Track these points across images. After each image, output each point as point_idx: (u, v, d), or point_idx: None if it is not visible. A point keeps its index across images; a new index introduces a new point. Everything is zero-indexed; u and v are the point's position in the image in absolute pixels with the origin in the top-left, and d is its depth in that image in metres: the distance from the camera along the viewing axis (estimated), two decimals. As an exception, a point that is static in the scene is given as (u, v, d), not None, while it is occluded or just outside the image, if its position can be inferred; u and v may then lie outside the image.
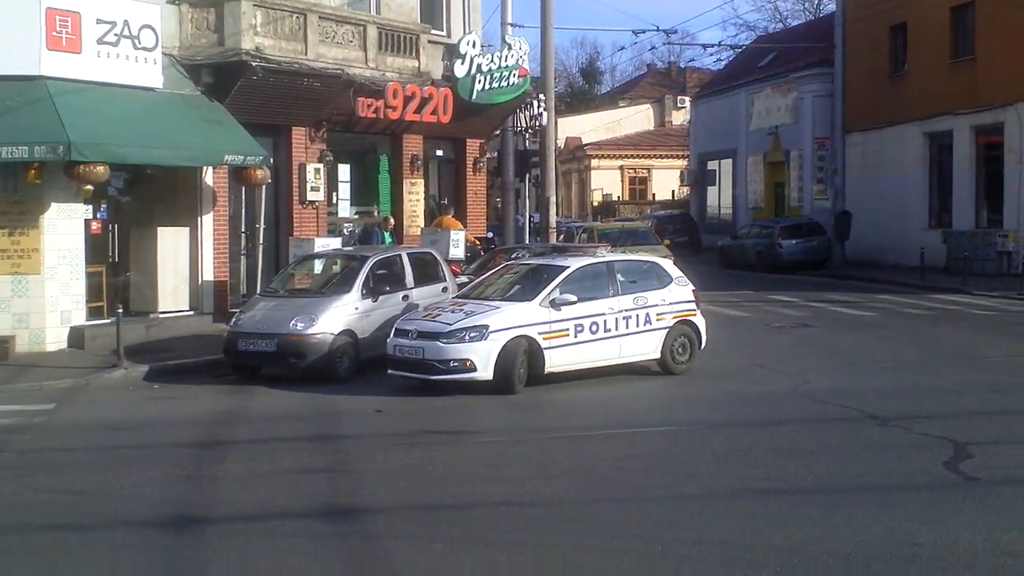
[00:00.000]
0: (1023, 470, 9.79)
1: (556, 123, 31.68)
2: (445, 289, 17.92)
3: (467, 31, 25.61)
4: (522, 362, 14.45)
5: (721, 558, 7.42)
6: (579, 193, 65.54)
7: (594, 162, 63.02)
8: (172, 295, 20.04)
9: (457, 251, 21.60)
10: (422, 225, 24.79)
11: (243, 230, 21.77)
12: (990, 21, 30.66)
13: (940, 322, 21.34)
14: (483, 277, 17.25)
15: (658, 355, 15.78)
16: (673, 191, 58.70)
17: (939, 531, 7.85)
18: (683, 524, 8.23)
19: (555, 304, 14.82)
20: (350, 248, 20.76)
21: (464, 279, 19.31)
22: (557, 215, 28.84)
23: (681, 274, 16.64)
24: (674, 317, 15.95)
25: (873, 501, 8.70)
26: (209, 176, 20.59)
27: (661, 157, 62.64)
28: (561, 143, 58.66)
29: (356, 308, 16.34)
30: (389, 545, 7.96)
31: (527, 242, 27.68)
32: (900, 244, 34.01)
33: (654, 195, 61.15)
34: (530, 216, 32.02)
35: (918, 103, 33.55)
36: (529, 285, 15.52)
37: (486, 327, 14.36)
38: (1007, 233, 29.57)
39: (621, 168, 63.10)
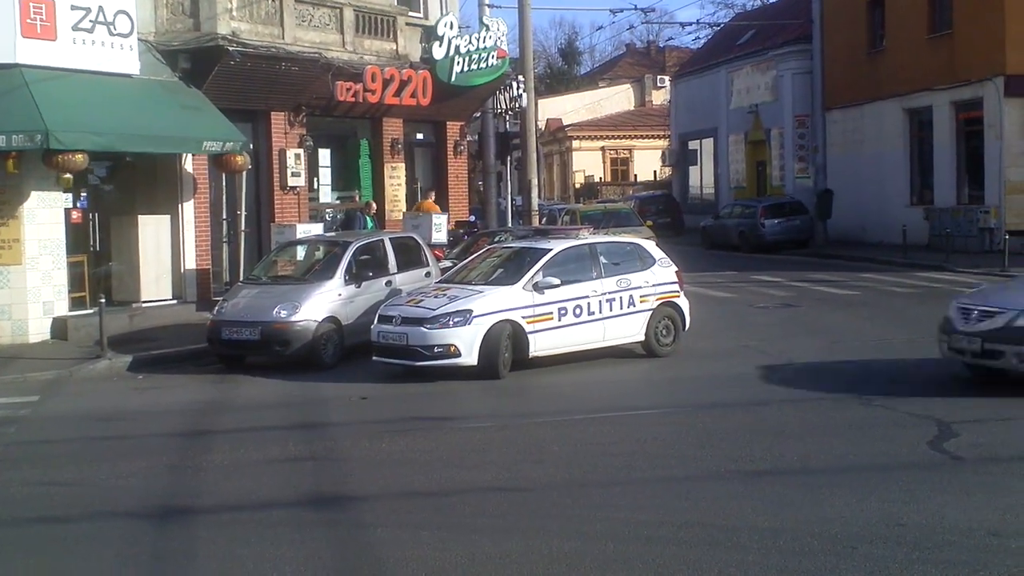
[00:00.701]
0: (1007, 448, 9.86)
1: (536, 104, 31.66)
2: (428, 274, 17.91)
3: (444, 12, 25.54)
4: (506, 347, 14.47)
5: (707, 540, 7.46)
6: (561, 175, 65.52)
7: (575, 143, 63.02)
8: (155, 284, 19.98)
9: (440, 235, 21.60)
10: (404, 209, 24.76)
11: (224, 217, 21.71)
12: (968, -4, 30.72)
13: (924, 300, 21.45)
14: (466, 261, 17.23)
15: (642, 337, 15.82)
16: (655, 172, 58.76)
17: (924, 511, 7.91)
18: (669, 507, 8.28)
19: (538, 287, 14.84)
20: (332, 234, 20.72)
21: (447, 263, 19.30)
22: (539, 197, 28.90)
23: (664, 255, 16.66)
24: (658, 299, 15.97)
25: (858, 481, 8.77)
26: (189, 163, 20.51)
27: (642, 137, 62.67)
28: (542, 125, 58.56)
29: (339, 294, 16.32)
30: (376, 533, 7.98)
31: (510, 225, 27.67)
32: (882, 222, 34.11)
33: (636, 176, 61.21)
34: (512, 199, 32.01)
35: (897, 79, 33.61)
36: (512, 269, 15.52)
37: (470, 312, 14.36)
38: (988, 209, 29.71)
39: (603, 149, 63.12)
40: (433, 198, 24.92)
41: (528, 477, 9.36)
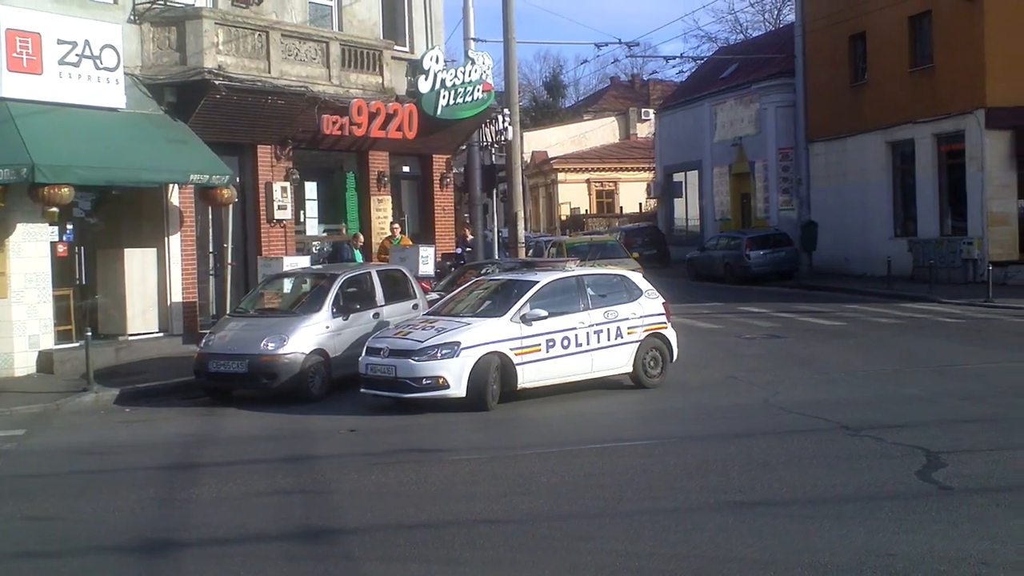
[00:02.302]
0: (995, 478, 9.88)
1: (522, 137, 31.77)
2: (416, 306, 17.94)
3: (430, 46, 25.69)
4: (495, 378, 14.47)
5: (696, 571, 7.45)
6: (547, 207, 65.70)
7: (561, 176, 63.23)
8: (141, 317, 19.93)
9: (427, 268, 21.61)
10: (378, 242, 24.76)
11: (211, 250, 21.70)
12: (948, 29, 31.05)
13: (909, 331, 21.53)
14: (453, 293, 17.27)
15: (630, 369, 15.84)
16: (640, 204, 58.98)
17: (913, 541, 7.92)
18: (657, 539, 8.26)
19: (526, 319, 14.86)
20: (319, 266, 20.73)
21: (434, 295, 19.31)
22: (525, 230, 28.96)
23: (651, 287, 16.72)
24: (645, 330, 16.01)
25: (846, 512, 8.77)
26: (175, 196, 20.51)
27: (627, 170, 62.95)
28: (527, 157, 58.78)
29: (327, 327, 16.31)
30: (365, 566, 7.95)
31: (496, 257, 27.72)
32: (866, 253, 34.28)
33: (621, 208, 61.41)
34: (498, 231, 32.08)
35: (879, 112, 33.88)
36: (499, 301, 15.56)
37: (457, 344, 14.37)
38: (971, 240, 29.89)
39: (588, 181, 63.35)
40: (399, 231, 24.68)
41: (517, 509, 9.34)
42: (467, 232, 29.37)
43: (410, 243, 23.87)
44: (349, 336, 16.46)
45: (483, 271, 20.39)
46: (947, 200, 31.95)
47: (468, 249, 27.59)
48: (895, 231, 34.17)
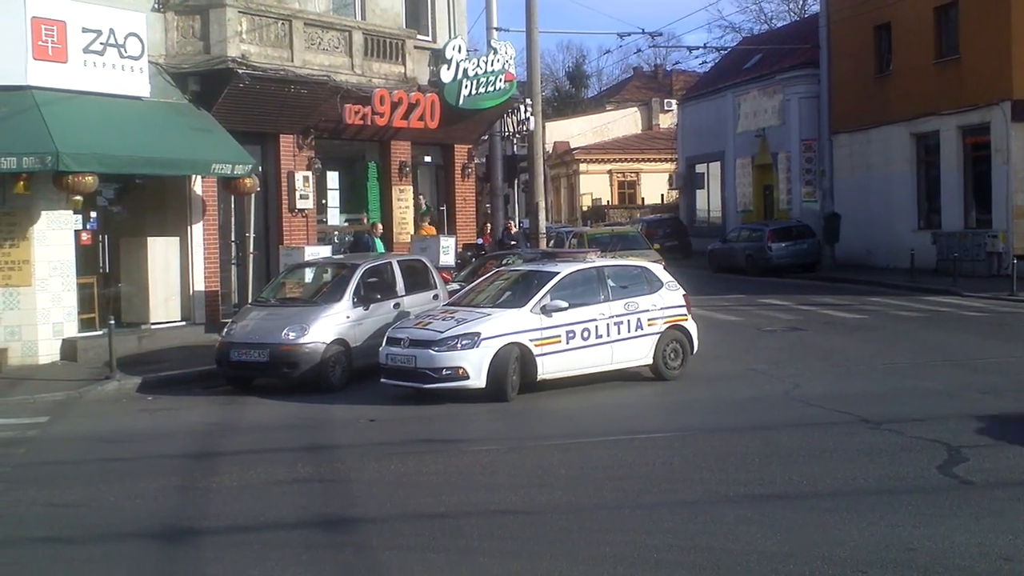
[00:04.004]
0: (1017, 473, 9.83)
1: (544, 127, 31.77)
2: (436, 296, 17.97)
3: (452, 36, 25.67)
4: (514, 369, 14.49)
5: (715, 564, 7.45)
6: (568, 198, 65.65)
7: (582, 166, 63.12)
8: (163, 305, 20.03)
9: (447, 258, 21.65)
10: (412, 232, 24.83)
11: (233, 239, 21.77)
12: (974, 20, 30.81)
13: (931, 324, 21.43)
14: (474, 284, 17.29)
15: (650, 360, 15.83)
16: (662, 195, 58.84)
17: (934, 535, 7.89)
18: (677, 531, 8.27)
19: (546, 310, 14.86)
20: (340, 256, 20.78)
21: (455, 286, 19.35)
22: (546, 220, 28.92)
23: (672, 279, 16.70)
24: (665, 322, 15.99)
25: (867, 506, 8.75)
26: (198, 185, 20.59)
27: (649, 160, 62.79)
28: (549, 148, 58.71)
29: (348, 317, 16.36)
30: (384, 555, 7.98)
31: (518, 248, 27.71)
32: (889, 246, 34.12)
33: (643, 199, 61.28)
34: (519, 221, 32.09)
35: (904, 103, 33.68)
36: (520, 291, 15.58)
37: (478, 335, 14.39)
38: (996, 233, 29.69)
39: (610, 172, 63.24)
40: (429, 220, 24.97)
41: (536, 500, 9.35)
42: (510, 225, 29.37)
43: (433, 232, 23.91)
44: (370, 326, 16.50)
45: (504, 262, 20.41)
46: (972, 193, 31.74)
47: (513, 242, 27.57)
48: (919, 223, 33.98)
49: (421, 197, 25.19)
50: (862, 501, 8.91)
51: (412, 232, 24.55)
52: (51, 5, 17.88)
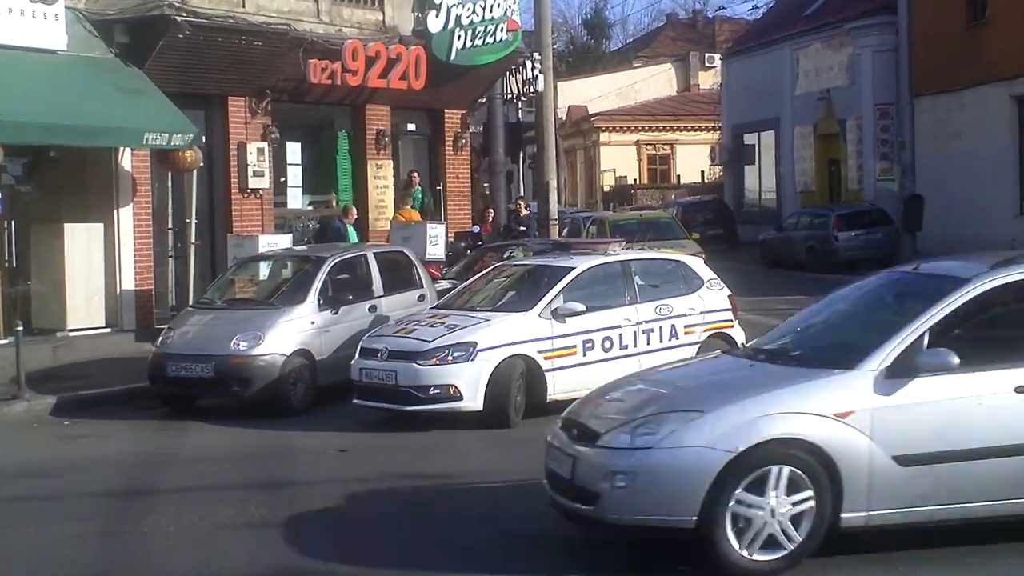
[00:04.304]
0: None
1: (556, 89, 31.82)
2: (422, 297, 18.00)
3: (443, -25, 25.66)
4: (519, 388, 14.52)
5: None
6: (586, 175, 65.68)
7: (604, 137, 63.15)
8: (84, 308, 20.04)
9: (436, 250, 21.67)
10: (392, 217, 24.82)
11: (170, 226, 21.80)
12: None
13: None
14: (468, 282, 17.32)
15: (687, 376, 15.83)
16: (702, 172, 58.83)
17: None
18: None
19: (558, 315, 14.90)
20: (303, 247, 20.79)
21: (445, 284, 19.37)
22: (559, 203, 28.94)
23: (714, 276, 16.74)
24: (706, 330, 16.03)
25: None
26: (127, 159, 20.62)
27: (687, 130, 62.79)
28: (563, 113, 58.75)
29: (312, 322, 16.38)
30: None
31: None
32: (984, 233, 33.97)
33: (679, 177, 61.28)
34: (526, 204, 32.08)
35: (1004, 59, 33.59)
36: (526, 291, 15.65)
37: (473, 344, 14.42)
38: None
39: (637, 144, 63.24)
40: (417, 180, 24.87)
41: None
42: (520, 205, 29.36)
43: (417, 217, 23.89)
44: (339, 334, 16.52)
45: (506, 255, 20.43)
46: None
47: (522, 228, 27.58)
48: (1022, 207, 33.94)
49: (415, 176, 25.11)
50: None
51: (392, 216, 24.53)
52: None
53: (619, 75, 68.03)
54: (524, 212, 28.93)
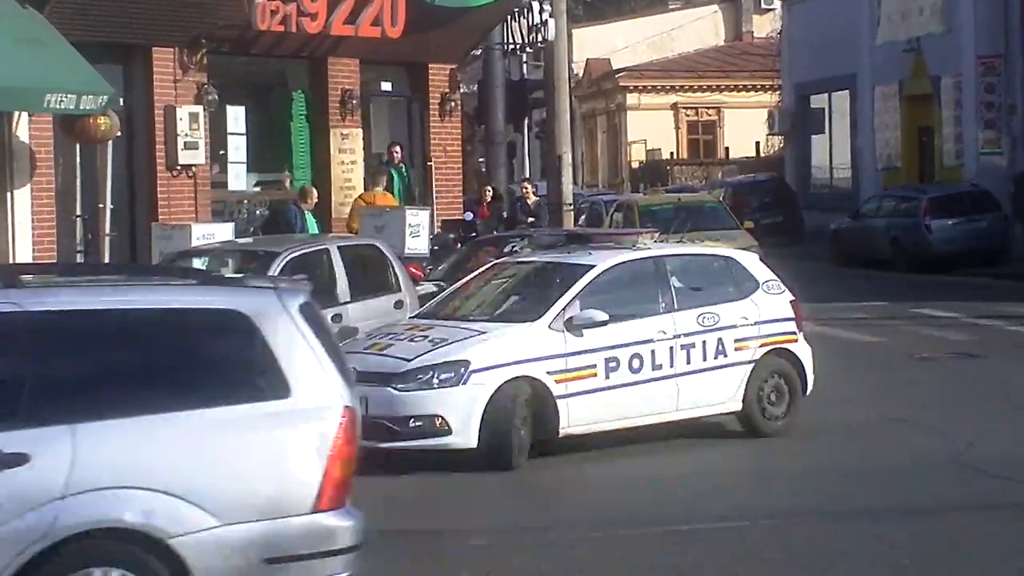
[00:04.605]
0: None
1: (570, 37, 31.79)
2: (399, 304, 17.99)
3: None
4: (523, 419, 14.47)
5: None
6: (609, 147, 65.64)
7: (632, 99, 63.09)
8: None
9: (418, 243, 21.61)
10: (362, 201, 24.80)
11: (79, 213, 21.79)
12: None
13: None
14: (460, 284, 17.29)
15: (738, 405, 15.83)
16: (757, 144, 58.78)
17: None
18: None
19: (574, 326, 14.86)
20: (248, 240, 20.78)
21: (430, 287, 19.35)
22: (575, 183, 28.95)
23: (772, 276, 16.69)
24: (763, 345, 15.99)
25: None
26: (23, 128, 20.62)
27: (737, 90, 62.77)
28: (579, 69, 58.75)
29: (259, 336, 16.37)
30: None
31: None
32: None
33: (727, 150, 61.26)
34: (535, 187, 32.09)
35: None
36: (532, 296, 15.67)
37: (465, 364, 14.39)
38: None
39: (675, 107, 63.21)
40: (385, 185, 24.74)
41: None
42: (528, 190, 29.32)
43: (391, 202, 23.82)
44: (295, 350, 16.51)
45: (506, 249, 20.40)
46: None
47: (531, 219, 27.56)
48: None
49: (396, 150, 24.99)
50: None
51: (354, 200, 24.43)
52: None
53: (651, 20, 67.97)
54: (533, 198, 28.85)
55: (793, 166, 50.18)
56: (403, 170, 25.11)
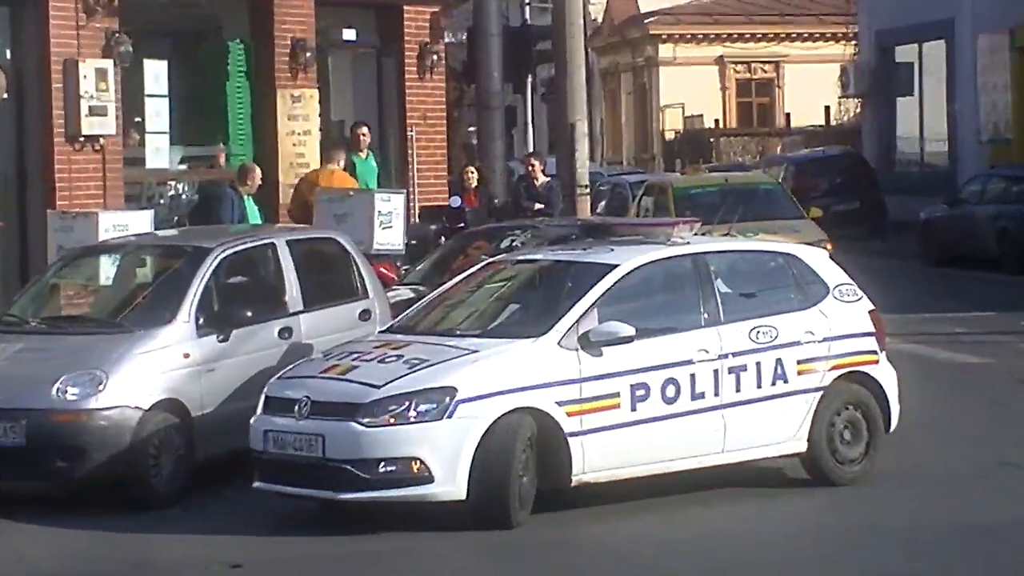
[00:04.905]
0: None
1: (588, -28, 31.78)
2: (366, 314, 18.01)
3: None
4: (526, 463, 14.45)
5: None
6: (637, 114, 65.80)
7: (665, 51, 63.27)
8: None
9: (390, 236, 21.61)
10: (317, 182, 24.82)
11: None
12: None
13: None
14: (444, 289, 17.27)
15: (802, 445, 15.81)
16: (827, 109, 58.90)
17: None
18: None
19: (591, 343, 14.84)
20: (172, 232, 20.77)
21: (405, 293, 19.36)
22: (592, 160, 28.98)
23: (847, 279, 16.68)
24: (834, 367, 15.98)
25: None
26: None
27: (801, 39, 62.95)
28: (598, 12, 58.81)
29: (186, 355, 16.35)
30: None
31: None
32: None
33: (788, 117, 61.41)
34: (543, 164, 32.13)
35: None
36: (538, 305, 15.72)
37: (451, 392, 14.35)
38: None
39: (720, 63, 63.37)
40: (343, 163, 24.68)
41: None
42: (535, 167, 29.27)
43: (355, 183, 23.79)
44: (231, 374, 16.52)
45: (503, 244, 20.40)
46: None
47: (538, 205, 27.58)
48: None
49: (362, 132, 24.94)
50: None
51: (303, 178, 24.45)
52: None
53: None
54: (541, 178, 28.79)
55: (873, 138, 50.23)
56: (372, 159, 25.03)
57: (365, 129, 25.20)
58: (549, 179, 28.71)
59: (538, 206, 27.23)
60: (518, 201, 27.87)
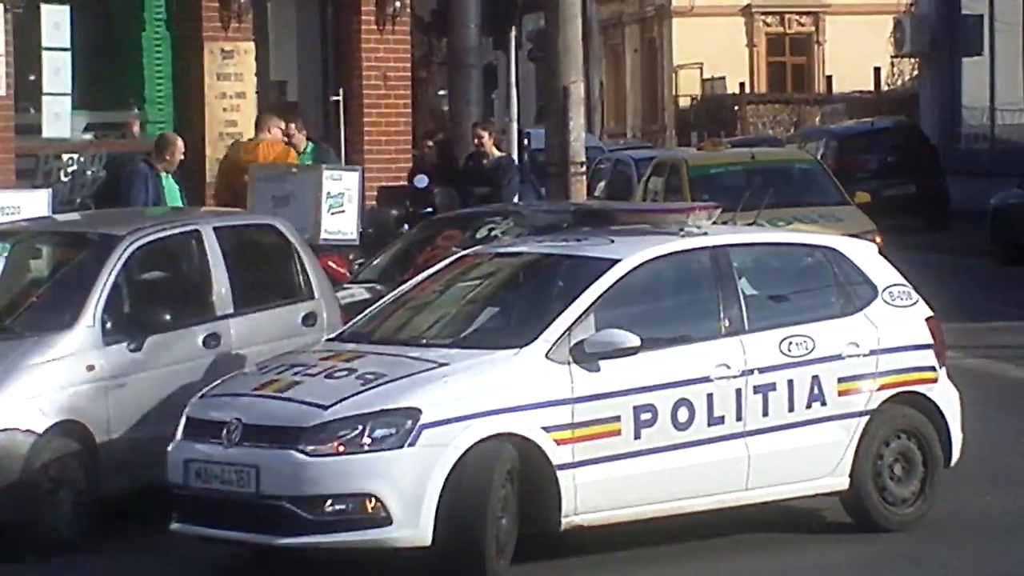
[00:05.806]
0: None
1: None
2: (311, 317, 18.04)
3: None
4: (505, 501, 14.47)
5: None
6: (644, 76, 66.01)
7: (680, 0, 63.42)
8: None
9: (341, 222, 21.65)
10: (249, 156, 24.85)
11: None
12: None
13: None
14: (406, 288, 17.28)
15: (843, 482, 15.84)
16: (877, 71, 59.09)
17: None
18: None
19: (587, 355, 14.85)
20: (74, 216, 20.80)
21: (359, 292, 19.38)
22: (590, 131, 29.02)
23: (899, 280, 16.72)
24: (883, 387, 16.01)
25: None
26: None
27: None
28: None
29: (89, 367, 16.36)
30: None
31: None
32: None
33: (829, 80, 61.62)
34: (525, 133, 32.21)
35: None
36: (521, 309, 15.75)
37: (414, 414, 14.35)
38: None
39: (747, 14, 63.59)
40: (284, 133, 24.69)
41: None
42: (481, 137, 29.30)
43: (290, 158, 23.81)
44: (144, 390, 16.55)
45: (480, 233, 20.45)
46: None
47: (486, 190, 27.62)
48: None
49: (294, 128, 24.94)
50: None
51: (234, 146, 24.48)
52: None
53: None
54: (494, 152, 28.72)
55: (933, 107, 50.40)
56: (311, 150, 25.03)
57: (293, 124, 24.99)
58: (503, 154, 28.61)
59: (481, 190, 27.07)
60: (463, 185, 27.69)
